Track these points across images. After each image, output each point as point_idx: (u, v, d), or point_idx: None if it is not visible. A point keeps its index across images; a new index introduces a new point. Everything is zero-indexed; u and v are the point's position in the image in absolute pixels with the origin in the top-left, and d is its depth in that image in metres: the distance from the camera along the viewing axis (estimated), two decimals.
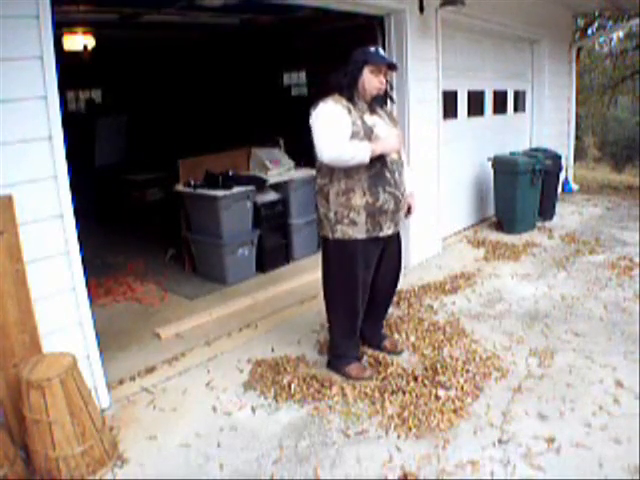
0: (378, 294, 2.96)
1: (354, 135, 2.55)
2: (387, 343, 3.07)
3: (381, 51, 2.69)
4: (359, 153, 2.50)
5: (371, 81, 2.60)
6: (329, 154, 2.51)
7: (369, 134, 2.58)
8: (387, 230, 2.70)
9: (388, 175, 2.63)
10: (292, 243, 4.74)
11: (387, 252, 2.84)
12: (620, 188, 8.31)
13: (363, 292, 2.80)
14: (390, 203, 2.65)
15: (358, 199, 2.60)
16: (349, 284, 2.74)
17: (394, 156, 2.67)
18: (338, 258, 2.73)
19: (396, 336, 3.24)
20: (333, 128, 2.53)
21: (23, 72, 2.17)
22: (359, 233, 2.64)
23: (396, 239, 2.87)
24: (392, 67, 2.68)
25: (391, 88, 2.87)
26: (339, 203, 2.63)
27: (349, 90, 2.62)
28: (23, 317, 2.21)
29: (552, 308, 3.64)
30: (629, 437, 2.26)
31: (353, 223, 2.63)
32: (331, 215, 2.66)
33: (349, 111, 2.59)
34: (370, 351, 3.06)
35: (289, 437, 2.38)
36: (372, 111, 2.66)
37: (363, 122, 2.60)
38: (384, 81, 2.63)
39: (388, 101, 2.82)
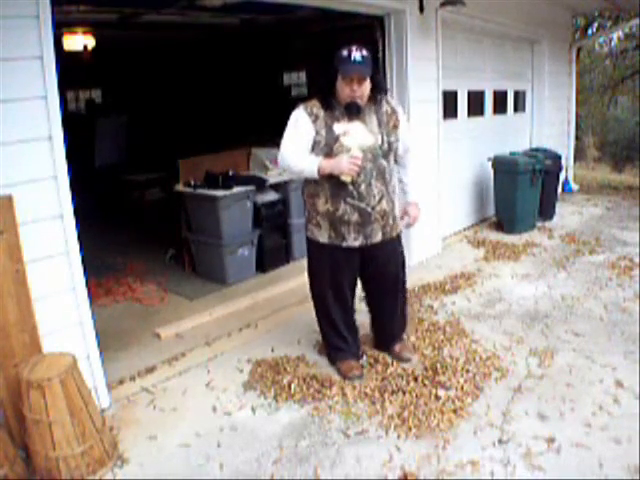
0: (375, 303, 2.96)
1: (315, 145, 2.56)
2: (396, 348, 2.99)
3: (355, 55, 2.44)
4: (307, 168, 2.55)
5: (343, 89, 2.50)
6: (281, 163, 2.67)
7: (331, 144, 2.53)
8: (353, 242, 2.65)
9: (350, 187, 2.56)
10: (292, 243, 4.73)
11: (375, 262, 2.77)
12: (620, 188, 8.30)
13: (336, 294, 2.79)
14: (352, 215, 2.60)
15: (321, 205, 2.65)
16: (319, 282, 2.80)
17: (367, 164, 2.55)
18: (310, 255, 2.84)
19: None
20: (290, 138, 2.61)
21: (23, 72, 2.17)
22: (322, 237, 2.69)
23: (385, 249, 2.75)
24: (360, 77, 2.47)
25: (381, 90, 2.62)
26: (309, 204, 2.73)
27: (326, 94, 2.56)
28: (23, 317, 2.21)
29: (552, 308, 3.64)
30: (629, 437, 2.26)
31: (318, 225, 2.70)
32: (306, 213, 2.77)
33: (315, 119, 2.55)
34: (370, 351, 3.05)
35: (289, 437, 2.38)
36: (351, 117, 2.54)
37: (329, 131, 2.54)
38: (355, 89, 2.47)
39: (385, 102, 2.64)
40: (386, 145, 2.61)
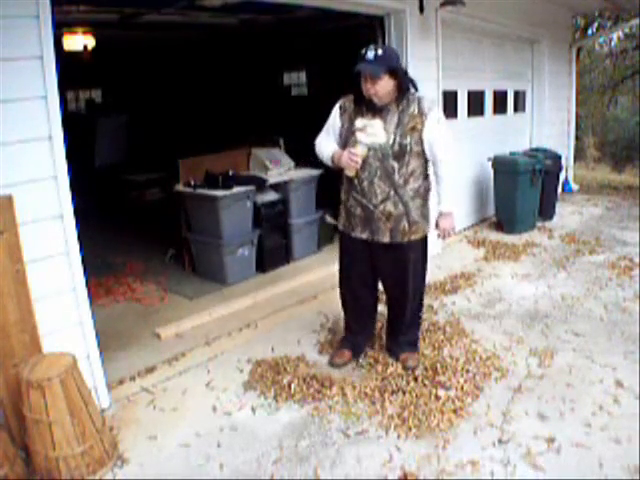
0: (388, 306, 2.99)
1: (340, 136, 2.73)
2: (402, 357, 2.93)
3: (368, 54, 2.48)
4: (326, 156, 2.76)
5: (363, 85, 2.55)
6: (315, 149, 2.85)
7: (347, 137, 2.65)
8: (360, 234, 2.72)
9: (355, 181, 2.64)
10: (292, 243, 4.73)
11: (382, 264, 2.78)
12: (620, 188, 8.30)
13: (347, 283, 2.91)
14: (356, 209, 2.70)
15: (343, 194, 2.81)
16: (339, 267, 2.95)
17: (374, 163, 2.56)
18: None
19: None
20: (324, 127, 2.82)
21: (23, 72, 2.17)
22: (340, 224, 2.87)
23: (392, 252, 2.72)
24: (371, 75, 2.48)
25: (405, 90, 2.56)
26: (341, 191, 2.86)
27: (357, 89, 2.59)
28: (23, 317, 2.21)
29: (552, 308, 3.64)
30: (629, 437, 2.26)
31: (340, 212, 2.86)
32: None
33: (343, 112, 2.70)
34: (371, 351, 3.06)
35: (289, 437, 2.38)
36: (374, 113, 2.56)
37: (350, 125, 2.65)
38: (369, 87, 2.50)
39: (416, 103, 2.56)
40: (397, 146, 2.54)
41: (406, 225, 2.66)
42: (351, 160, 2.55)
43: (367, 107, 2.58)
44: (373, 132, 2.56)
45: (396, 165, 2.57)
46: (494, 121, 6.15)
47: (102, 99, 8.66)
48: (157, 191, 6.65)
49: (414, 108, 2.56)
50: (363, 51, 2.51)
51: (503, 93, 6.33)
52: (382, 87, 2.51)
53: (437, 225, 2.79)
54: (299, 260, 4.76)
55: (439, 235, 2.83)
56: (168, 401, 2.68)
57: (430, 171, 2.73)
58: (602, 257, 4.64)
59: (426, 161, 2.66)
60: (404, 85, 2.56)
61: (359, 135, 2.58)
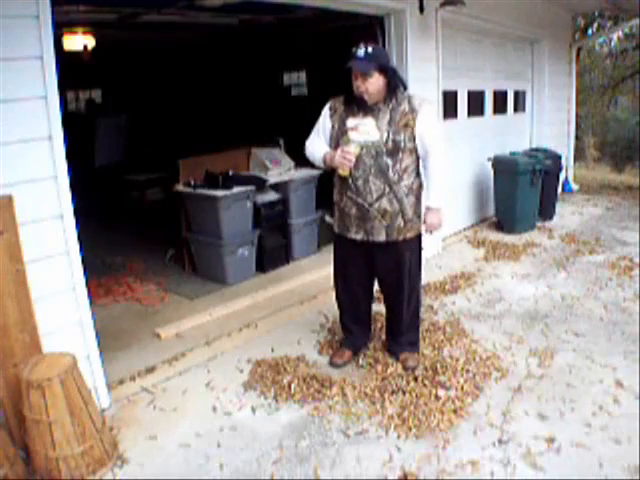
0: (385, 305, 2.98)
1: (331, 137, 2.72)
2: (402, 357, 2.93)
3: (358, 51, 2.49)
4: (317, 157, 2.74)
5: (353, 83, 2.55)
6: (305, 151, 2.85)
7: (339, 137, 2.64)
8: (355, 235, 2.71)
9: (349, 180, 2.63)
10: (292, 243, 4.74)
11: (379, 263, 2.78)
12: (620, 188, 8.30)
13: (345, 284, 2.90)
14: (351, 209, 2.69)
15: (336, 195, 2.80)
16: (334, 269, 2.95)
17: (368, 161, 2.56)
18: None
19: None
20: (314, 129, 2.81)
21: (23, 72, 2.17)
22: (335, 226, 2.86)
23: (388, 251, 2.71)
24: (361, 72, 2.50)
25: (394, 87, 2.57)
26: (333, 193, 2.85)
27: (348, 89, 2.59)
28: (23, 317, 2.21)
29: (552, 308, 3.64)
30: (629, 437, 2.26)
31: (334, 214, 2.85)
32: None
33: (334, 113, 2.69)
34: (371, 351, 3.05)
35: (289, 437, 2.38)
36: (366, 112, 2.57)
37: (341, 125, 2.64)
38: (359, 84, 2.51)
39: (407, 100, 2.57)
40: (391, 143, 2.55)
41: (401, 222, 2.66)
42: (344, 159, 2.54)
43: (358, 106, 2.59)
44: (366, 130, 2.57)
45: (390, 162, 2.58)
46: (494, 121, 6.16)
47: (102, 99, 8.65)
48: (157, 191, 6.65)
49: (405, 106, 2.58)
50: (353, 49, 2.52)
51: (503, 93, 6.33)
52: (372, 84, 2.51)
53: (424, 220, 2.75)
54: (299, 260, 4.76)
55: (426, 230, 2.79)
56: (168, 401, 2.68)
57: (422, 168, 2.73)
58: (602, 257, 4.64)
59: (418, 158, 2.66)
60: (394, 83, 2.58)
61: (351, 134, 2.59)
